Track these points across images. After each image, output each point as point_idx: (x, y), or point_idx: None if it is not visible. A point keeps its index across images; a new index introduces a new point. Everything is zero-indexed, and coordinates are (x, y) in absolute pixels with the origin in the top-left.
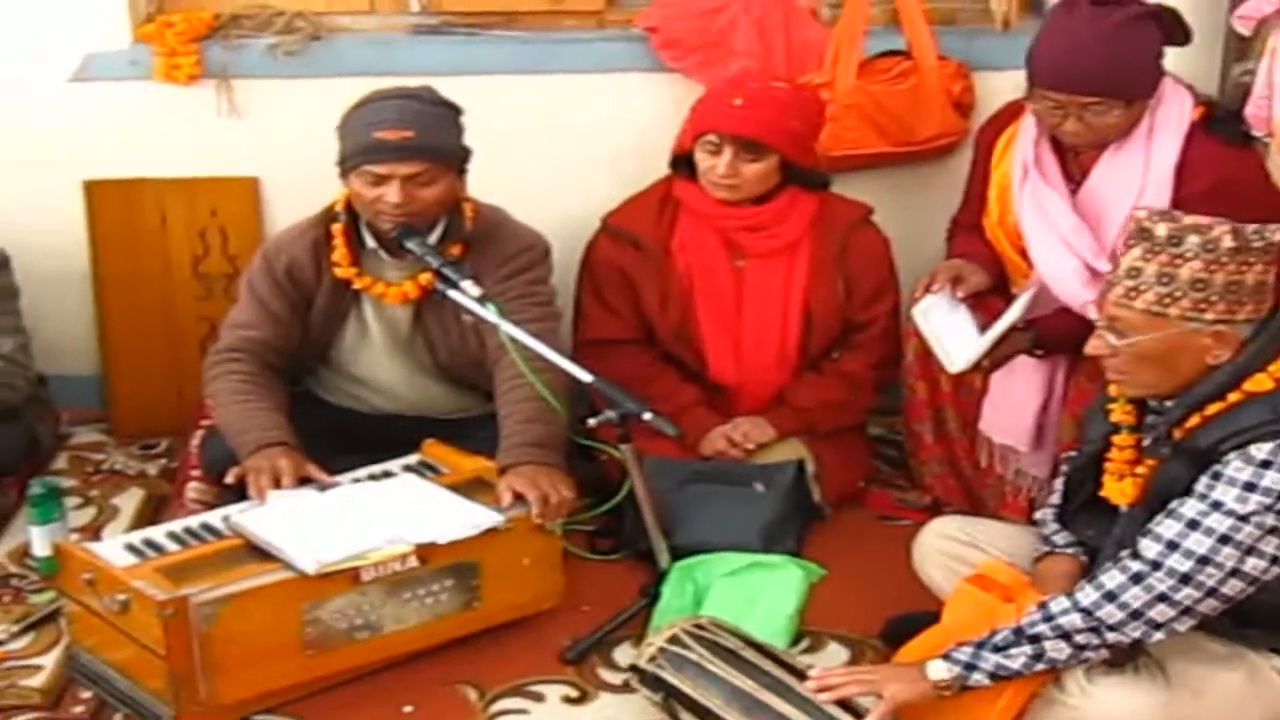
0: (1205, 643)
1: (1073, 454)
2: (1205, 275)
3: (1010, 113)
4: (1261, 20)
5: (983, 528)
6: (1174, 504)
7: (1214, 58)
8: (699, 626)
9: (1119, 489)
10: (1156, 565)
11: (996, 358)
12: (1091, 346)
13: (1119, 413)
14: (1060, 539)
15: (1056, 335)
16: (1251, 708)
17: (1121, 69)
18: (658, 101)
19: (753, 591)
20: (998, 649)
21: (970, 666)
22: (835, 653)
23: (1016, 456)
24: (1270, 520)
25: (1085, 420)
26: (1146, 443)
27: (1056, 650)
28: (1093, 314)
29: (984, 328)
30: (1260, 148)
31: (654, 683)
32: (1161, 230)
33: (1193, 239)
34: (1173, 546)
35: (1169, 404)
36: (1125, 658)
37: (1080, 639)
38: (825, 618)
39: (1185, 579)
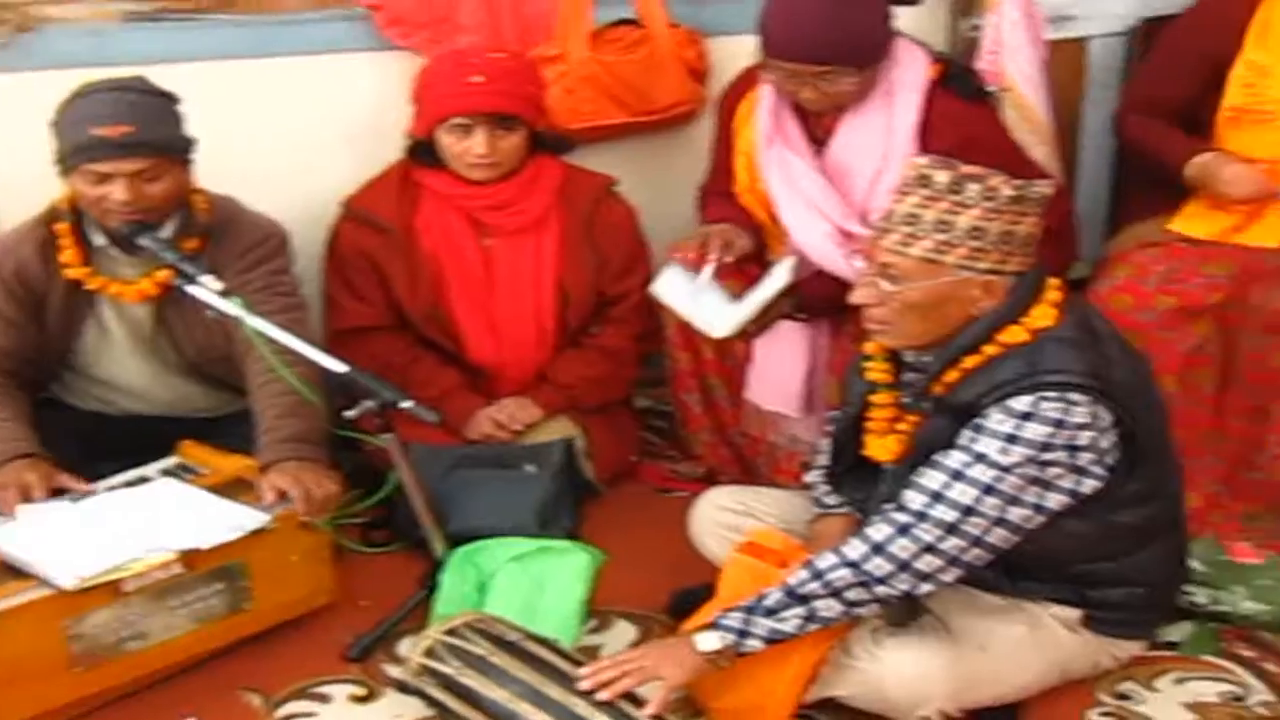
0: (985, 597)
1: (836, 414)
2: (983, 223)
3: (750, 78)
4: None
5: (757, 496)
6: (938, 456)
7: (940, 13)
8: (451, 633)
9: (882, 446)
10: (922, 516)
11: (761, 323)
12: (858, 295)
13: (875, 371)
14: (832, 500)
15: (817, 298)
16: (1034, 657)
17: (848, 36)
18: (386, 80)
19: (540, 577)
20: (770, 612)
21: (743, 634)
22: (624, 630)
23: (787, 422)
24: (1032, 470)
25: (844, 382)
26: (906, 400)
27: (828, 609)
28: (856, 266)
29: (736, 294)
30: (995, 101)
31: (423, 697)
32: (942, 178)
33: (973, 187)
34: (937, 497)
35: (927, 359)
36: (907, 616)
37: (851, 595)
38: (610, 595)
39: (951, 529)
